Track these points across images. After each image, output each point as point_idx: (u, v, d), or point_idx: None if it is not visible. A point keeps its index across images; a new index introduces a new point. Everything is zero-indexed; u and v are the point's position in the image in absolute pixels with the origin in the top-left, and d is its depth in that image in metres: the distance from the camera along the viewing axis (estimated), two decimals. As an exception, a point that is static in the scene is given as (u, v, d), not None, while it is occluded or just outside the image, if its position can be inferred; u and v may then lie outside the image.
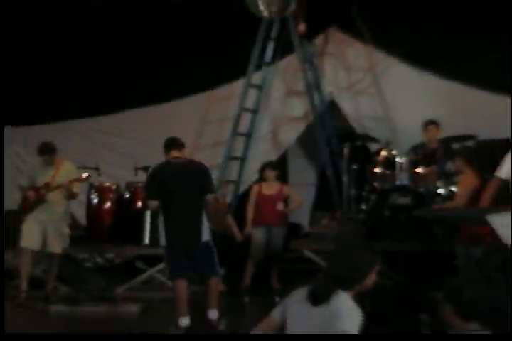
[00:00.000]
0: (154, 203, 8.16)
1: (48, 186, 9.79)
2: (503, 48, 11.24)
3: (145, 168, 11.26)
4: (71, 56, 12.53)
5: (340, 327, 4.28)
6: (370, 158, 10.61)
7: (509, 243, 7.47)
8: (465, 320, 4.25)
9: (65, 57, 12.52)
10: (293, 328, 4.47)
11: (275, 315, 4.60)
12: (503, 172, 8.41)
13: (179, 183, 8.09)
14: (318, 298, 4.45)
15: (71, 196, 9.91)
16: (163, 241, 8.17)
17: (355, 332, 4.31)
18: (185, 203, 8.09)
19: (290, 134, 12.46)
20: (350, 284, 4.48)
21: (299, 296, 4.55)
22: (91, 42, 12.53)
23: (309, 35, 12.08)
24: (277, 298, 4.74)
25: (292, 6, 11.57)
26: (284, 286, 10.01)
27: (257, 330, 4.61)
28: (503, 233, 7.48)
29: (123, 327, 8.16)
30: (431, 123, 10.63)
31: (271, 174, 10.64)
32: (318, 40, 12.36)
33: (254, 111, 12.05)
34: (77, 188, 9.91)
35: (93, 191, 11.19)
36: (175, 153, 8.23)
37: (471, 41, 11.49)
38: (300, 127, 12.39)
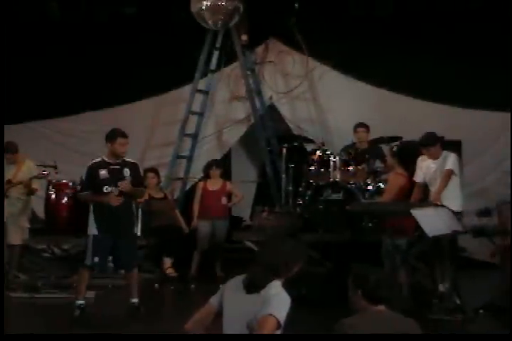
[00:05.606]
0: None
1: (9, 182, 9.63)
2: (426, 59, 11.41)
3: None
4: (32, 61, 12.29)
5: (267, 311, 4.19)
6: (306, 157, 10.59)
7: (430, 234, 7.50)
8: (372, 303, 4.19)
9: (27, 62, 12.27)
10: (228, 314, 4.37)
11: (213, 301, 4.48)
12: (417, 176, 8.45)
13: None
14: (254, 286, 4.36)
15: (31, 192, 9.80)
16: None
17: (283, 315, 4.23)
18: None
19: (233, 135, 12.48)
20: (279, 272, 4.39)
21: (234, 284, 4.44)
22: (50, 49, 12.35)
23: (251, 45, 12.12)
24: (220, 285, 4.67)
25: (235, 19, 11.51)
26: (226, 274, 9.93)
27: (197, 315, 4.51)
28: (425, 225, 7.50)
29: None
30: (360, 126, 10.68)
31: (215, 171, 10.57)
32: (259, 49, 12.42)
33: (201, 114, 12.09)
34: (36, 185, 9.77)
35: (51, 187, 11.10)
36: None
37: (397, 52, 11.59)
38: (242, 129, 12.43)
